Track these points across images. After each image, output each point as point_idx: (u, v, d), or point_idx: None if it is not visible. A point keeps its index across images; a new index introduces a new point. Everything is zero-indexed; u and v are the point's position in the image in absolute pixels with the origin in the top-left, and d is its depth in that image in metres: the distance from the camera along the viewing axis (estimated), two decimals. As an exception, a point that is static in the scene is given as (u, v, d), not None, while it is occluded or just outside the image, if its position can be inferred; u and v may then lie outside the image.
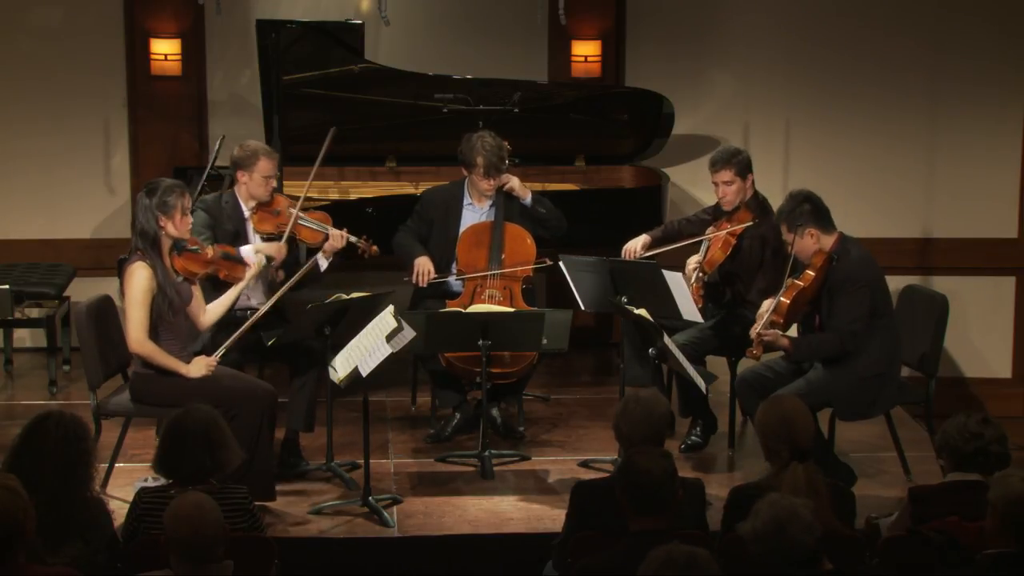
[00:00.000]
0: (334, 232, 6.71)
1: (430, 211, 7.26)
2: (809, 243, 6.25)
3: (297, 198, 6.82)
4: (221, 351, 6.09)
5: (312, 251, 6.80)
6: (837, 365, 6.26)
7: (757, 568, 4.11)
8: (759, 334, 6.17)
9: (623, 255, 7.03)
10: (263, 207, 6.71)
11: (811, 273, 6.23)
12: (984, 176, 9.08)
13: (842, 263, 6.23)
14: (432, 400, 7.23)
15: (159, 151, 8.67)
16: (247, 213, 6.71)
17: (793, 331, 6.44)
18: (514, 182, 7.16)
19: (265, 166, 6.67)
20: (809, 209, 6.24)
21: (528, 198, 7.20)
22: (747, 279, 6.86)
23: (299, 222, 6.67)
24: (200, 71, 8.73)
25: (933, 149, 9.06)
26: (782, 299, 6.18)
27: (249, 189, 6.70)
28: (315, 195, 8.15)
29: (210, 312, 6.21)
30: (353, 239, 6.77)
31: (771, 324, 6.19)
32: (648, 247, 7.03)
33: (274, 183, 6.73)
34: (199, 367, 6.02)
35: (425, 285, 7.08)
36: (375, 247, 6.82)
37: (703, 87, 8.94)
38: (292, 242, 6.71)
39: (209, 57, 8.75)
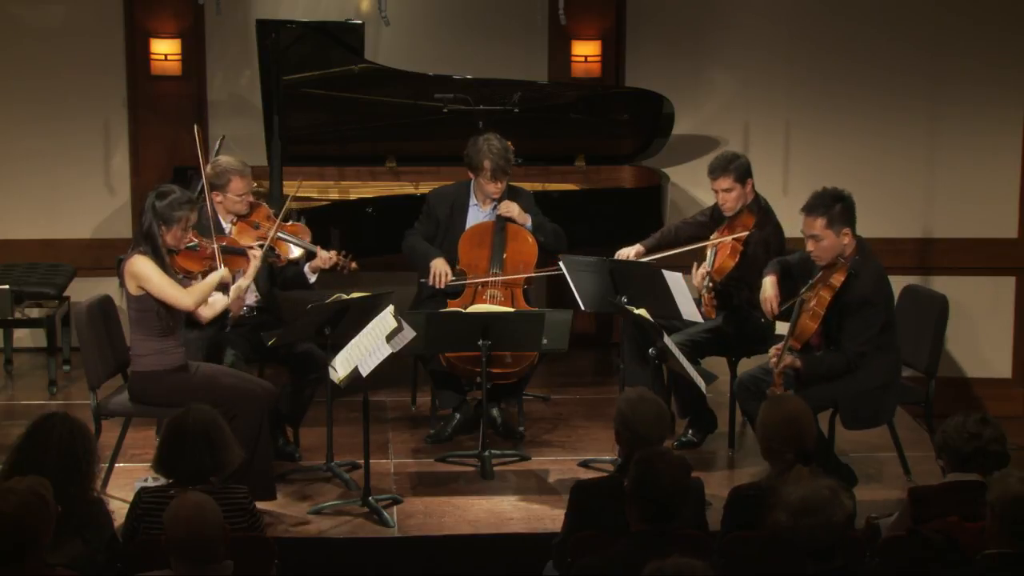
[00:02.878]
0: (323, 255, 6.68)
1: (437, 210, 7.25)
2: (841, 243, 6.12)
3: (277, 210, 6.77)
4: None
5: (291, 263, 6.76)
6: (840, 377, 6.23)
7: (775, 559, 4.11)
8: (781, 370, 6.06)
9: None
10: (243, 219, 6.68)
11: (827, 295, 6.10)
12: (984, 176, 9.08)
13: (861, 281, 6.13)
14: (432, 400, 7.23)
15: (159, 151, 8.67)
16: (227, 228, 6.66)
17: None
18: (514, 211, 7.13)
19: (238, 185, 6.62)
20: (848, 209, 6.14)
21: (528, 223, 7.18)
22: (754, 283, 6.83)
23: (278, 236, 6.62)
24: (200, 71, 8.73)
25: (933, 149, 9.06)
26: (808, 322, 6.10)
27: (225, 207, 6.68)
28: (315, 195, 8.16)
29: (211, 306, 6.19)
30: (339, 261, 6.72)
31: (789, 349, 6.12)
32: (640, 256, 6.93)
33: (250, 198, 6.69)
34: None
35: (443, 287, 7.04)
36: (354, 264, 6.75)
37: (703, 87, 8.94)
38: (271, 252, 6.63)
39: (209, 57, 8.75)
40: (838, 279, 6.13)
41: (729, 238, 6.75)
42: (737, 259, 6.71)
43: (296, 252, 6.70)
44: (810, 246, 6.20)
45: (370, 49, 8.32)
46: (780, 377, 6.07)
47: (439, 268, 7.04)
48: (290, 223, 6.80)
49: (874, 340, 6.15)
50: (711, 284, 6.66)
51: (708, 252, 6.80)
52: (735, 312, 6.84)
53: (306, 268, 6.74)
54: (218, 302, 6.19)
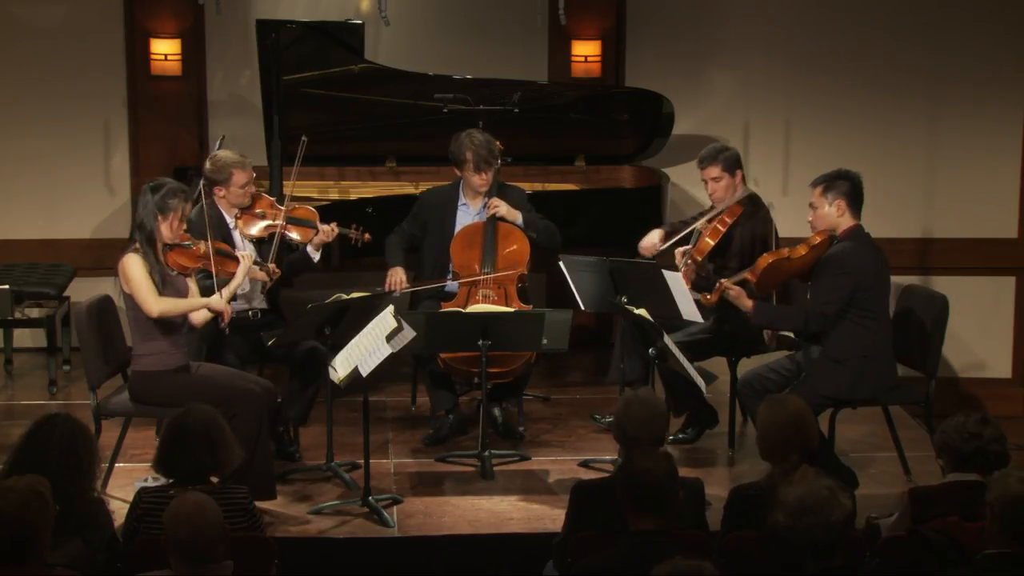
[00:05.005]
0: (323, 227, 6.71)
1: (425, 213, 7.25)
2: (832, 213, 6.26)
3: (280, 197, 6.81)
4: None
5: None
6: (814, 350, 6.28)
7: (775, 559, 4.12)
8: (723, 283, 6.24)
9: (641, 252, 7.00)
10: (247, 211, 6.69)
11: (802, 250, 6.24)
12: (984, 176, 9.08)
13: (837, 246, 6.25)
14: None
15: (159, 151, 8.67)
16: (231, 222, 6.67)
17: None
18: (502, 208, 7.12)
19: (239, 178, 6.63)
20: (850, 186, 6.27)
21: (519, 220, 7.18)
22: (738, 272, 6.85)
23: (288, 220, 6.65)
24: (200, 71, 8.73)
25: (933, 149, 9.06)
26: (765, 255, 6.23)
27: (229, 201, 6.68)
28: (315, 195, 8.16)
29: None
30: (343, 230, 6.78)
31: (742, 281, 6.22)
32: (664, 240, 6.98)
33: (252, 188, 6.70)
34: (217, 300, 6.10)
35: (399, 294, 7.04)
36: (367, 234, 6.82)
37: (703, 87, 8.94)
38: (283, 241, 6.66)
39: (209, 57, 8.75)
40: (815, 239, 6.26)
41: (714, 221, 6.81)
42: (718, 239, 6.76)
43: (306, 235, 6.73)
44: (809, 216, 6.36)
45: (370, 49, 8.32)
46: (718, 292, 6.27)
47: (394, 276, 7.09)
48: (296, 207, 6.81)
49: (837, 304, 6.18)
50: (690, 262, 6.74)
51: (692, 236, 6.87)
52: (733, 313, 6.83)
53: (308, 247, 6.74)
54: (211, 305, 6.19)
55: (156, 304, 5.96)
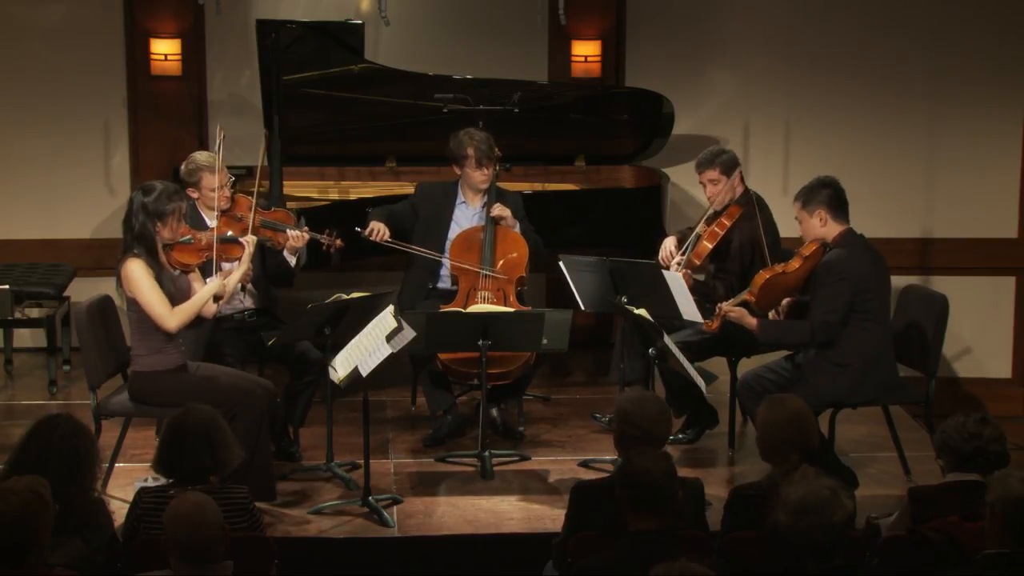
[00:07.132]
0: (292, 233, 6.64)
1: (422, 203, 7.24)
2: (816, 224, 6.27)
3: (256, 197, 6.76)
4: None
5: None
6: (814, 352, 6.28)
7: (775, 559, 4.12)
8: (723, 308, 6.23)
9: (661, 260, 6.96)
10: (226, 213, 6.61)
11: (796, 263, 6.24)
12: (984, 176, 9.08)
13: (831, 254, 6.25)
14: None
15: (159, 151, 8.67)
16: (211, 223, 6.59)
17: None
18: (506, 213, 7.14)
19: (209, 181, 6.58)
20: (828, 194, 6.28)
21: (517, 228, 7.18)
22: (739, 275, 6.86)
23: (261, 224, 6.60)
24: (200, 71, 8.73)
25: (933, 149, 9.06)
26: (762, 271, 6.23)
27: (203, 202, 6.66)
28: (315, 195, 8.16)
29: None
30: (315, 235, 6.69)
31: (743, 302, 6.22)
32: (679, 246, 6.95)
33: (226, 192, 6.62)
34: (221, 287, 6.12)
35: (379, 241, 6.96)
36: (339, 241, 6.75)
37: (703, 87, 8.95)
38: (259, 244, 6.60)
39: (209, 57, 8.75)
40: (807, 249, 6.27)
41: (712, 224, 6.81)
42: (716, 242, 6.75)
43: (278, 239, 6.67)
44: (798, 230, 6.38)
45: (370, 49, 8.32)
46: (719, 318, 6.25)
47: (377, 225, 6.99)
48: (272, 209, 6.78)
49: (840, 312, 6.18)
50: (686, 270, 6.71)
51: (690, 239, 6.86)
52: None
53: (285, 252, 6.72)
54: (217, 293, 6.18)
55: (173, 319, 5.96)
